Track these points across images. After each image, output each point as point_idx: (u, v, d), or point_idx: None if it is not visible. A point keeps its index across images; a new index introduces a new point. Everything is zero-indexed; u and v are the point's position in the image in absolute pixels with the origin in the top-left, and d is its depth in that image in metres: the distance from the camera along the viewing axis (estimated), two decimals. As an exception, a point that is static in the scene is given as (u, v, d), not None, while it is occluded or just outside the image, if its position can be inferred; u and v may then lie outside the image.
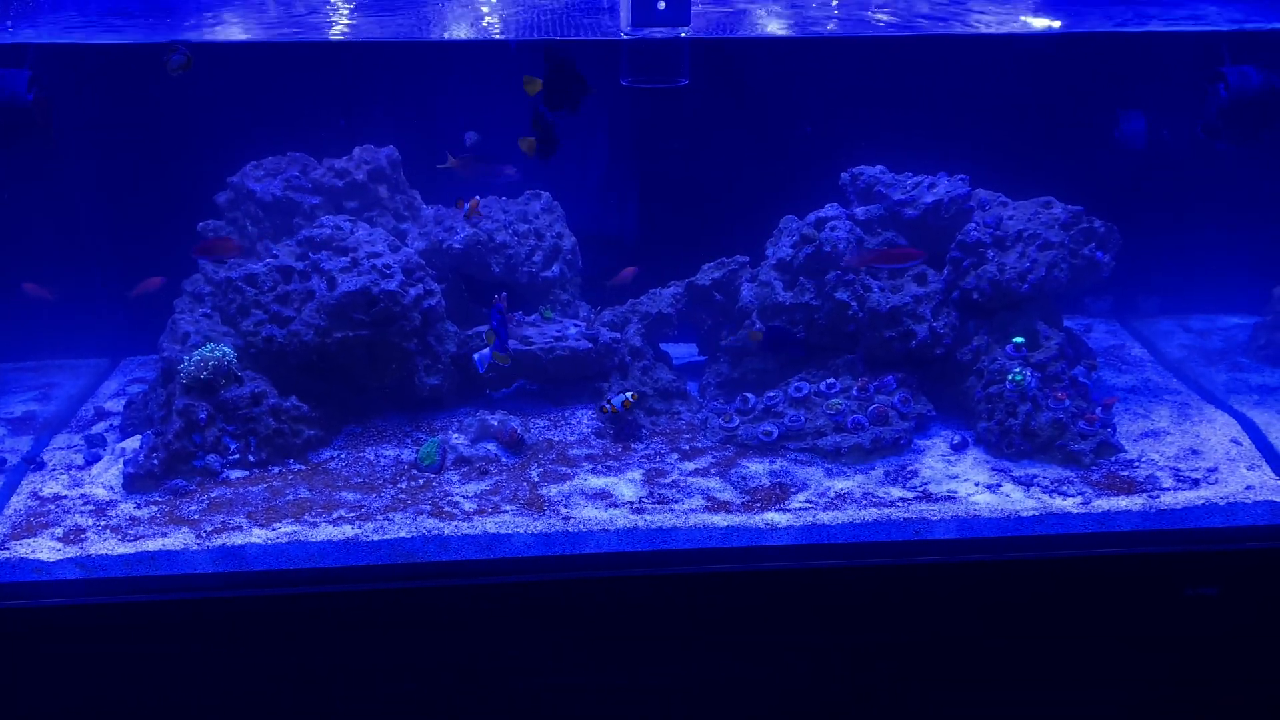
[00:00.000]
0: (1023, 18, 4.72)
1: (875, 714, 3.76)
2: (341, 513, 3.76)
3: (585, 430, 4.40)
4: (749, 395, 4.37)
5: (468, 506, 3.80)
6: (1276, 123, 4.47)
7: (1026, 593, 3.69)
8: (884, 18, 4.42)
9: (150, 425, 4.27)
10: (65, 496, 3.96)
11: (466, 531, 3.63)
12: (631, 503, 3.81)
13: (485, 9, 4.19)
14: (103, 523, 3.74)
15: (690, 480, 3.98)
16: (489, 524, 3.67)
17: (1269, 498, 3.74)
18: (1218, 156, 4.94)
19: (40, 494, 3.98)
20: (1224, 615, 3.68)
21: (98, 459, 4.22)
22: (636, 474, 4.04)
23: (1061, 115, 5.25)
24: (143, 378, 5.11)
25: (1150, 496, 3.78)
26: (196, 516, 3.74)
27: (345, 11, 4.27)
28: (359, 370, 4.43)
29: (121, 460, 4.07)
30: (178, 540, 3.59)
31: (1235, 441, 4.17)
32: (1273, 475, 3.90)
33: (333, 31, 4.50)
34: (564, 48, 3.51)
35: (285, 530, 3.64)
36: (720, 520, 3.70)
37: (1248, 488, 3.81)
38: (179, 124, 4.99)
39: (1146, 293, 5.60)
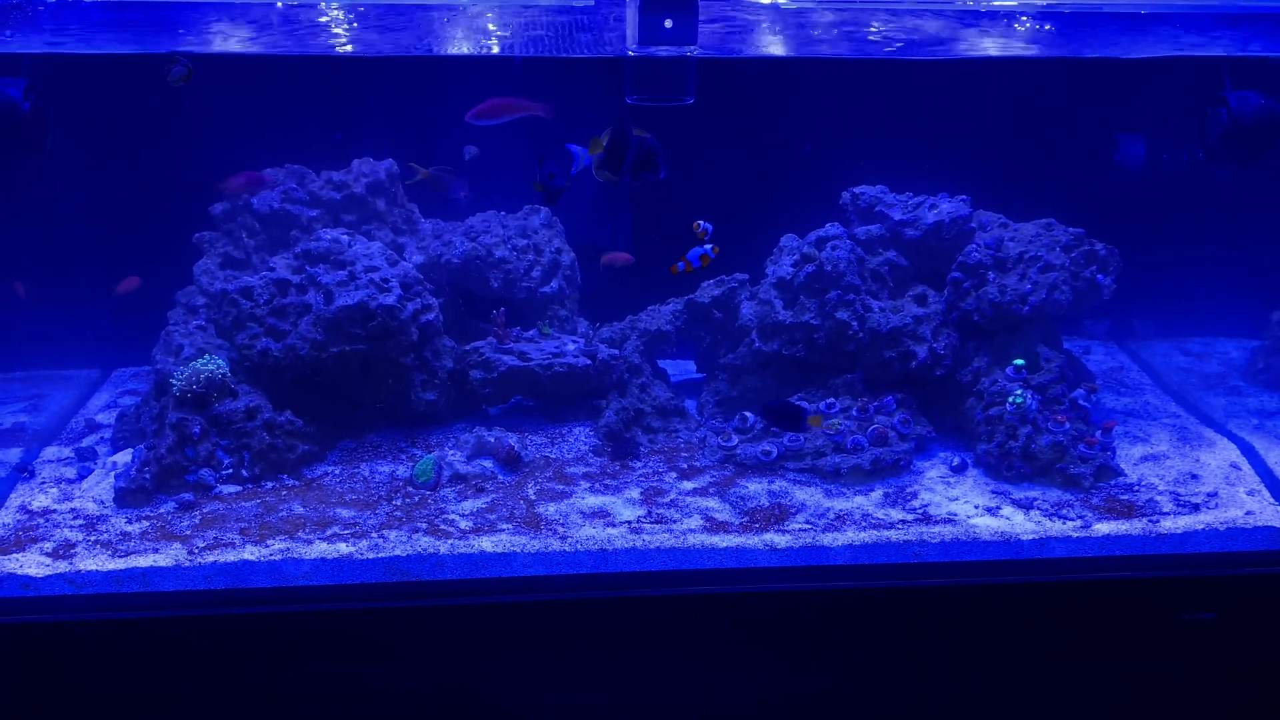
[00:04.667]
0: (1020, 42, 4.74)
1: (873, 738, 3.73)
2: (336, 529, 3.71)
3: (583, 448, 4.37)
4: (748, 414, 4.34)
5: (463, 524, 3.76)
6: (1276, 147, 4.50)
7: (1026, 616, 3.66)
8: (881, 32, 4.43)
9: (142, 438, 4.22)
10: (55, 510, 3.90)
11: (462, 550, 3.59)
12: (629, 522, 3.78)
13: (492, 24, 4.18)
14: (93, 538, 3.69)
15: (688, 500, 3.95)
16: (485, 543, 3.63)
17: (1268, 523, 3.73)
18: (1217, 180, 4.96)
19: (29, 507, 3.93)
20: (1223, 640, 3.66)
21: (89, 472, 4.16)
22: (634, 493, 4.00)
23: (1062, 138, 5.27)
24: (135, 389, 5.07)
25: (1150, 521, 3.76)
26: (189, 532, 3.69)
27: (346, 25, 4.25)
28: (355, 385, 4.39)
29: (113, 474, 4.01)
30: (169, 556, 3.54)
31: (1234, 466, 4.16)
32: (1272, 500, 3.89)
33: (335, 45, 4.49)
34: (630, 123, 3.52)
35: (278, 547, 3.59)
36: (719, 541, 3.66)
37: (1247, 513, 3.80)
38: (176, 135, 4.96)
39: (1144, 316, 5.61)
